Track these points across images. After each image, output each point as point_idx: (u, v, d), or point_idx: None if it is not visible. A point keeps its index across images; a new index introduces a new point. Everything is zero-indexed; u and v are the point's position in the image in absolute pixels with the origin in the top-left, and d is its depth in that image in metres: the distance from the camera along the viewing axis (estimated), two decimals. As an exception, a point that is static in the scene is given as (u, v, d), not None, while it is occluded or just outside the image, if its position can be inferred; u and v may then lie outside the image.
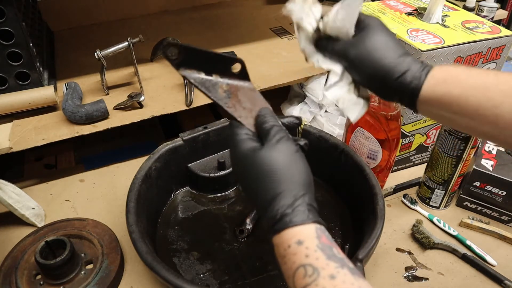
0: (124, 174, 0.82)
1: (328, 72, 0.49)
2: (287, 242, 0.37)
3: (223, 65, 0.45)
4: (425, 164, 0.76)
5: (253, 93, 0.47)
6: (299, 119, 0.48)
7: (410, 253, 0.67)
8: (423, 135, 0.80)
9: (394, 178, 0.81)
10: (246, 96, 0.46)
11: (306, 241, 0.36)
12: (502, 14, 1.41)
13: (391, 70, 0.44)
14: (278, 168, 0.39)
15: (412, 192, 0.79)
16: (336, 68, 0.48)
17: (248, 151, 0.42)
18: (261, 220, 0.41)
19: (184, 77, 0.44)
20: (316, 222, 0.38)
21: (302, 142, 0.43)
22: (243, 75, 0.47)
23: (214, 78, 0.45)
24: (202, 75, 0.44)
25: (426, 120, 0.77)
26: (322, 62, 0.49)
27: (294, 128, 0.49)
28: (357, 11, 0.46)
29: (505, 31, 0.74)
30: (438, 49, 0.68)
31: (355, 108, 0.49)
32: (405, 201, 0.76)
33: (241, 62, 0.46)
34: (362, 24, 0.47)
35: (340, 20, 0.46)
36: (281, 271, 0.38)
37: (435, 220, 0.72)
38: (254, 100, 0.47)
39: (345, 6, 0.45)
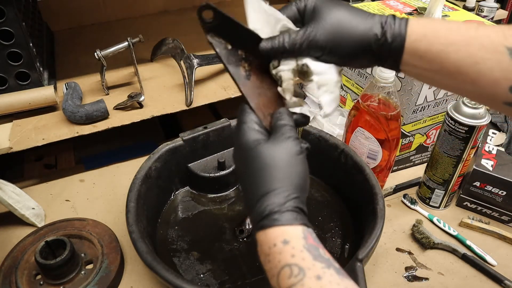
0: (124, 174, 0.82)
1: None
2: (272, 241, 0.36)
3: (253, 43, 0.42)
4: (425, 164, 0.76)
5: (274, 88, 0.44)
6: (306, 118, 0.47)
7: (410, 253, 0.67)
8: (423, 135, 0.80)
9: (394, 178, 0.81)
10: (265, 86, 0.44)
11: (293, 241, 0.36)
12: (502, 14, 1.41)
13: (367, 36, 0.40)
14: (278, 165, 0.39)
15: (412, 192, 0.79)
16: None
17: (253, 142, 0.41)
18: (248, 211, 0.41)
19: (211, 44, 0.41)
20: (303, 225, 0.37)
21: (305, 145, 0.42)
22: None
23: (240, 53, 0.42)
24: (229, 47, 0.42)
25: (426, 120, 0.77)
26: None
27: (300, 126, 0.48)
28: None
29: (505, 31, 0.73)
30: (438, 49, 0.68)
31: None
32: (405, 201, 0.76)
33: None
34: (307, 9, 0.42)
35: None
36: (264, 269, 0.38)
37: (435, 220, 0.72)
38: (273, 94, 0.44)
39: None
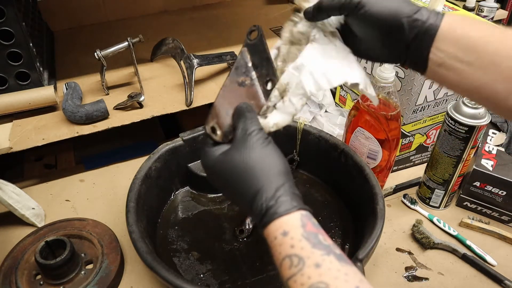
0: (124, 174, 0.82)
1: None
2: (273, 234, 0.37)
3: (268, 71, 0.45)
4: (425, 164, 0.76)
5: (251, 94, 0.46)
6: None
7: (410, 253, 0.67)
8: (423, 135, 0.80)
9: (394, 178, 0.81)
10: (245, 94, 0.46)
11: (291, 231, 0.36)
12: (502, 14, 1.41)
13: (402, 6, 0.40)
14: (252, 165, 0.39)
15: (412, 192, 0.79)
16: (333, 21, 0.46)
17: (218, 157, 0.42)
18: (249, 214, 0.42)
19: (240, 52, 0.46)
20: (301, 209, 0.38)
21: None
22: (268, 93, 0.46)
23: (253, 73, 0.46)
24: (249, 64, 0.46)
25: (426, 120, 0.77)
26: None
27: None
28: None
29: (505, 31, 0.73)
30: (438, 49, 0.68)
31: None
32: (405, 201, 0.76)
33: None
34: None
35: None
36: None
37: (435, 220, 0.72)
38: (246, 96, 0.46)
39: None
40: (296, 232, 0.36)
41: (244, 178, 0.39)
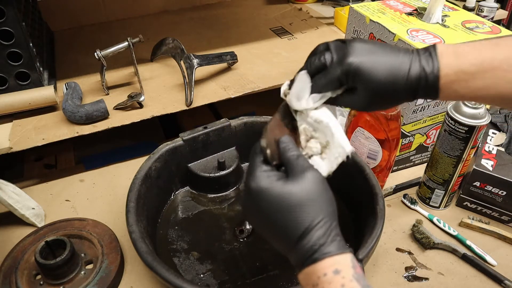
0: (124, 174, 0.82)
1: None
2: (322, 271, 0.36)
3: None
4: (425, 164, 0.76)
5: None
6: None
7: (410, 253, 0.67)
8: (423, 135, 0.80)
9: (394, 178, 0.81)
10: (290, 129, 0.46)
11: (343, 271, 0.36)
12: (502, 14, 1.41)
13: (399, 71, 0.40)
14: (311, 199, 0.39)
15: (412, 192, 0.79)
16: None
17: (272, 183, 0.40)
18: (287, 252, 0.40)
19: (283, 106, 0.46)
20: (351, 252, 0.38)
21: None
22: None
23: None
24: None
25: (426, 120, 0.77)
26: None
27: None
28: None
29: (505, 31, 0.74)
30: (438, 49, 0.68)
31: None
32: (405, 201, 0.76)
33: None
34: (339, 47, 0.42)
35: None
36: None
37: (435, 220, 0.72)
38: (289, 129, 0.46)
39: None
40: (347, 272, 0.36)
41: (298, 211, 0.38)
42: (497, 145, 0.77)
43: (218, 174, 0.73)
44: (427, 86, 0.40)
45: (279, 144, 0.43)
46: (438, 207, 0.75)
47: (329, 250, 0.37)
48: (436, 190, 0.73)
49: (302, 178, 0.40)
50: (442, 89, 0.40)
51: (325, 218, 0.38)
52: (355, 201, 0.68)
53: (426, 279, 0.63)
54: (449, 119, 0.65)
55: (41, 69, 0.85)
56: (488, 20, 1.11)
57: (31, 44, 0.79)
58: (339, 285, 0.35)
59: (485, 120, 0.63)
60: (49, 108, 0.83)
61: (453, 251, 0.67)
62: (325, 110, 0.44)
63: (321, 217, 0.38)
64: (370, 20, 0.78)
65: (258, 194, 0.40)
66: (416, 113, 0.74)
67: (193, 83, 0.86)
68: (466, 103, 0.63)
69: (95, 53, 0.82)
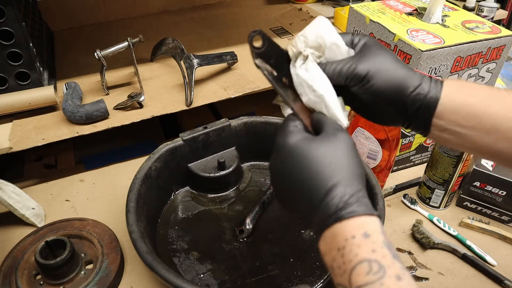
0: (124, 174, 0.82)
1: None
2: (350, 232, 0.34)
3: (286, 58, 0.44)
4: (425, 164, 0.76)
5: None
6: None
7: (410, 253, 0.67)
8: (423, 135, 0.80)
9: (394, 178, 0.81)
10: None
11: (373, 235, 0.33)
12: (502, 14, 1.41)
13: (406, 81, 0.41)
14: (342, 158, 0.37)
15: (412, 192, 0.79)
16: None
17: (301, 141, 0.39)
18: (311, 212, 0.37)
19: (259, 68, 0.42)
20: (379, 217, 0.35)
21: None
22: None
23: (284, 81, 0.44)
24: (274, 73, 0.43)
25: (426, 120, 0.77)
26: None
27: None
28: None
29: (505, 31, 0.74)
30: (438, 49, 0.68)
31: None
32: (405, 201, 0.76)
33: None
34: (359, 42, 0.44)
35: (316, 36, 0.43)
36: (328, 266, 0.35)
37: (435, 220, 0.72)
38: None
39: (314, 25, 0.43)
40: (378, 238, 0.34)
41: (328, 167, 0.37)
42: (497, 145, 0.77)
43: (218, 174, 0.73)
44: (426, 105, 0.41)
45: (312, 116, 0.42)
46: (438, 207, 0.75)
47: (358, 209, 0.34)
48: (436, 190, 0.73)
49: (335, 137, 0.38)
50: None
51: (354, 178, 0.37)
52: (355, 201, 0.68)
53: (426, 279, 0.63)
54: (449, 119, 0.65)
55: (41, 69, 0.85)
56: (488, 20, 1.11)
57: (31, 44, 0.79)
58: (370, 249, 0.33)
59: (485, 120, 0.63)
60: (49, 108, 0.83)
61: (453, 251, 0.67)
62: (320, 76, 0.42)
63: (351, 176, 0.37)
64: (370, 20, 0.78)
65: (291, 149, 0.39)
66: (416, 113, 0.74)
67: (193, 83, 0.86)
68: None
69: (95, 53, 0.82)
